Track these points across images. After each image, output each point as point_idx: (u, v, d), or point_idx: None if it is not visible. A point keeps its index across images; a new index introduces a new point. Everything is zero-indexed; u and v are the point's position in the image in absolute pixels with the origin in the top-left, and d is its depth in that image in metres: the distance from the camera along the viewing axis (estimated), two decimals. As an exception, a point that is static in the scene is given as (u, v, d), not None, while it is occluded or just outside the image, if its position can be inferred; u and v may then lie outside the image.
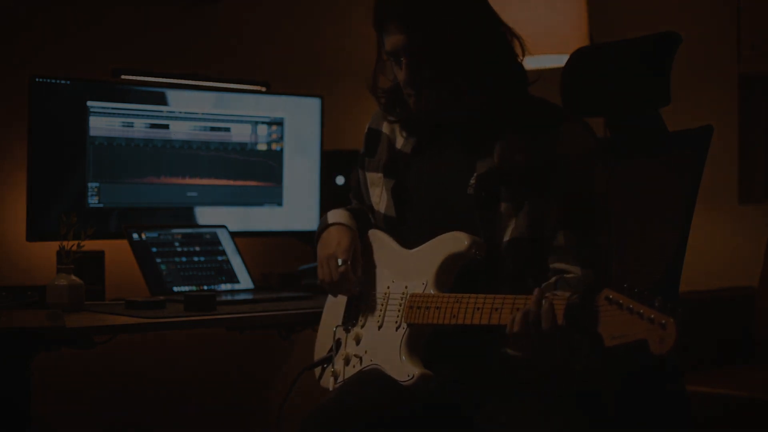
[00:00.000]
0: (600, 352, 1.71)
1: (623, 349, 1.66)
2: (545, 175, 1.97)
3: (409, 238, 2.10)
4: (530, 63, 3.30)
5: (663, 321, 1.59)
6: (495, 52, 2.02)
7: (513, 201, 1.98)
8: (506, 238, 1.98)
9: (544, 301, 1.77)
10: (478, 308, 1.88)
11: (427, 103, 2.02)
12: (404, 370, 1.97)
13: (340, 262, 2.09)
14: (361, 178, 2.24)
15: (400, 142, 2.15)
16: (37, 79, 2.74)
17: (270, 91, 3.19)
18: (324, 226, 2.19)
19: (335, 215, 2.19)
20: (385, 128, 2.18)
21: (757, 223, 3.50)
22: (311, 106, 3.22)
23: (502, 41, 2.04)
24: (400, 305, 2.03)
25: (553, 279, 1.96)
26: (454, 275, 2.00)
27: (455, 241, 1.99)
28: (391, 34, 1.99)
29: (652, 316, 1.61)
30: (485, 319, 1.86)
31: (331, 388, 2.10)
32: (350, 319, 2.14)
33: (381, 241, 2.15)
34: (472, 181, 2.01)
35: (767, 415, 2.79)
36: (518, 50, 2.05)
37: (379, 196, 2.16)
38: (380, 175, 2.16)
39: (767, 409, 2.79)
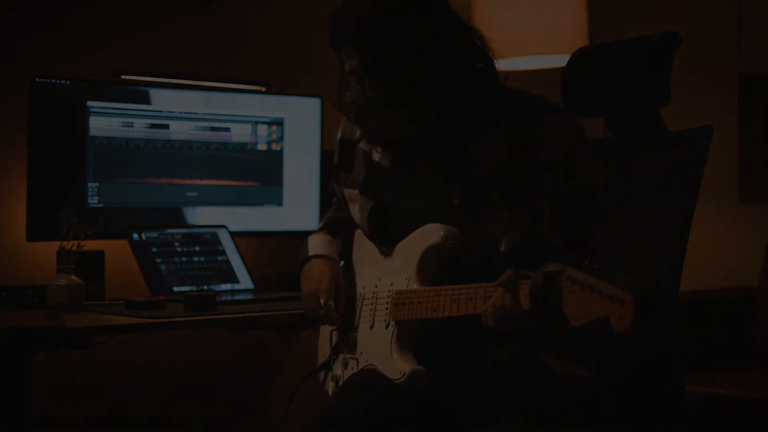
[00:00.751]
0: (570, 335, 1.69)
1: (589, 329, 1.64)
2: (532, 178, 1.94)
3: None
4: (530, 63, 3.33)
5: (621, 297, 1.56)
6: (458, 63, 1.94)
7: (504, 208, 1.95)
8: (502, 247, 1.95)
9: (506, 291, 1.76)
10: (455, 299, 1.88)
11: (395, 121, 1.98)
12: (396, 367, 1.98)
13: (322, 302, 2.09)
14: (337, 191, 2.19)
15: (376, 155, 2.09)
16: (37, 79, 2.74)
17: (270, 91, 3.19)
18: (305, 257, 2.17)
19: (316, 245, 2.17)
20: (360, 139, 2.12)
21: (757, 223, 3.50)
22: (311, 106, 3.22)
23: (466, 49, 1.96)
24: (387, 303, 2.03)
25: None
26: (434, 268, 1.99)
27: (430, 234, 1.98)
28: (347, 56, 1.95)
29: (612, 292, 1.58)
30: (462, 309, 1.86)
31: (331, 393, 2.11)
32: (345, 322, 2.14)
33: (366, 242, 2.14)
34: (457, 191, 1.98)
35: (767, 416, 2.79)
36: (486, 51, 1.98)
37: (358, 212, 2.12)
38: (356, 192, 2.11)
39: (767, 409, 2.79)
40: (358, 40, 1.92)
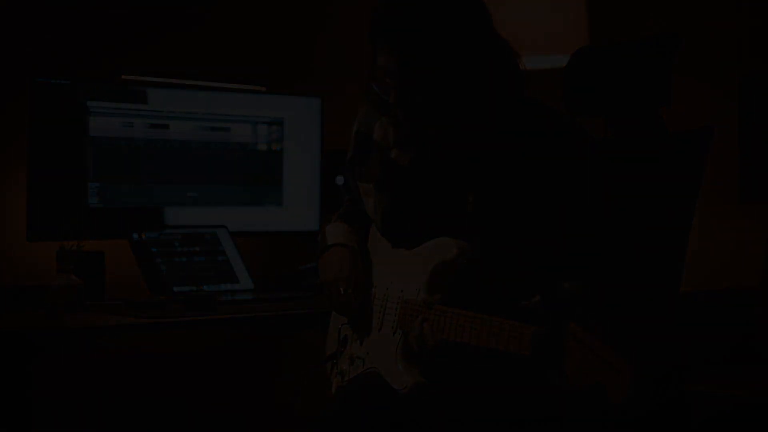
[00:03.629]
0: (566, 387, 1.68)
1: (585, 389, 1.62)
2: (546, 196, 1.94)
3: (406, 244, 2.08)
4: (530, 63, 3.32)
5: (619, 367, 1.55)
6: (490, 80, 1.95)
7: (516, 221, 1.95)
8: (512, 259, 1.95)
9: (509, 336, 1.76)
10: (461, 325, 1.86)
11: (416, 123, 1.99)
12: (399, 378, 1.98)
13: (342, 291, 2.09)
14: (352, 184, 2.19)
15: (393, 152, 2.09)
16: (37, 79, 2.74)
17: (270, 91, 3.19)
18: (324, 246, 2.17)
19: (335, 234, 2.17)
20: (377, 134, 2.11)
21: (757, 223, 3.50)
22: (311, 106, 3.22)
23: (500, 67, 1.97)
24: (396, 310, 2.03)
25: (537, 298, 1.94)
26: (445, 283, 1.98)
27: (443, 249, 1.97)
28: (383, 52, 1.94)
29: (612, 360, 1.56)
30: (466, 338, 1.85)
31: (335, 387, 2.12)
32: (355, 317, 2.14)
33: (381, 238, 2.14)
34: (470, 198, 1.99)
35: (767, 416, 2.79)
36: (517, 70, 1.99)
37: (373, 205, 2.12)
38: (371, 186, 2.11)
39: (767, 409, 2.79)
40: (398, 43, 1.91)
